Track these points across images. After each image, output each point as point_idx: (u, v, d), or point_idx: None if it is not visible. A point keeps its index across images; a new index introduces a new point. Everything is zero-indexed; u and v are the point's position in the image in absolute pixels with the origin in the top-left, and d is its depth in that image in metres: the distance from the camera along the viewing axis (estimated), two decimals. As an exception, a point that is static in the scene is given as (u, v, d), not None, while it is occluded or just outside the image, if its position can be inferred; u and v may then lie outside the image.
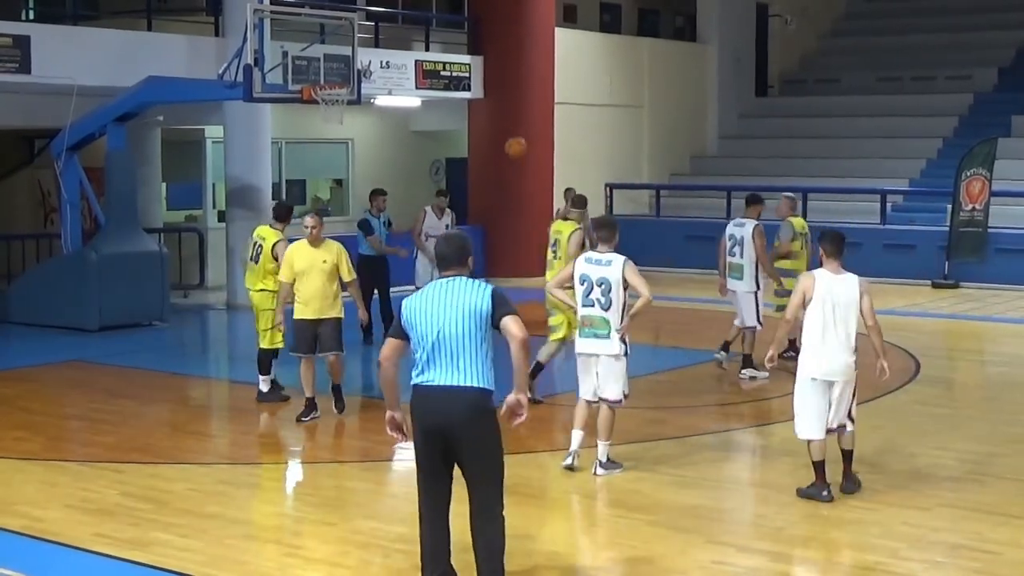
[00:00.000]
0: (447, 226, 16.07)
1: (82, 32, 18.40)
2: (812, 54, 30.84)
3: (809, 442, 8.65)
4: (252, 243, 12.10)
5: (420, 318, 6.44)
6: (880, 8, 31.65)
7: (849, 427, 8.71)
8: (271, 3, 17.03)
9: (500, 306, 6.39)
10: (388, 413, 6.64)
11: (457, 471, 6.56)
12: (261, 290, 11.90)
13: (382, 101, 21.61)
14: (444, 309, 6.40)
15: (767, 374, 13.05)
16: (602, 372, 9.29)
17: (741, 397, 12.69)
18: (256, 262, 11.93)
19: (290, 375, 11.89)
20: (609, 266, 9.17)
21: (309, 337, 11.05)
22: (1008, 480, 9.35)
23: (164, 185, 21.77)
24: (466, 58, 22.44)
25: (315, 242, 11.05)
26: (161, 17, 20.02)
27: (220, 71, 16.01)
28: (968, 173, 20.81)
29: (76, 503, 8.68)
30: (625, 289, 9.14)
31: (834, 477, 8.68)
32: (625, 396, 9.36)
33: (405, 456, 8.24)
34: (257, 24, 15.31)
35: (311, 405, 11.15)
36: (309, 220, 11.08)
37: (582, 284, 9.26)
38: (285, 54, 15.77)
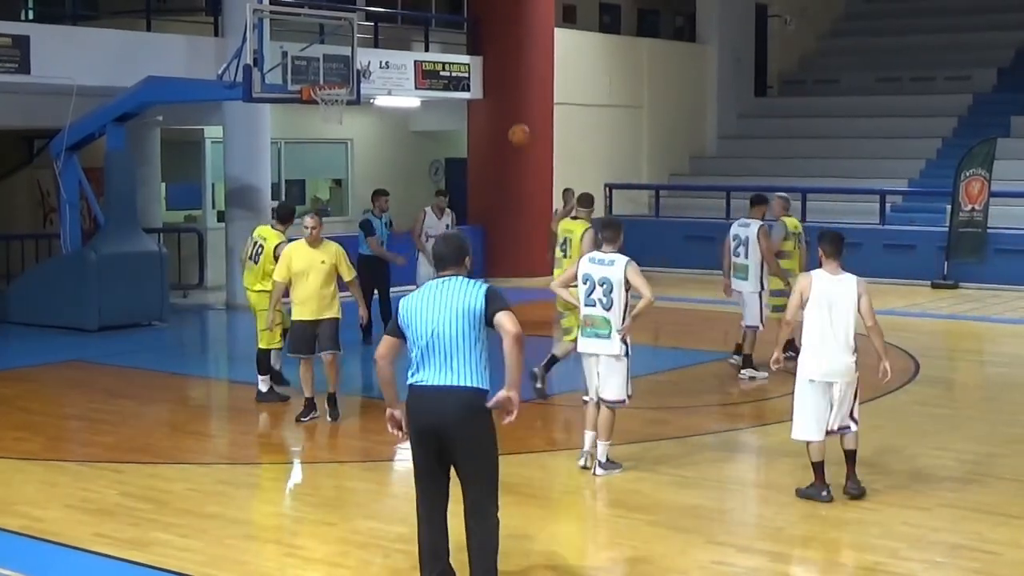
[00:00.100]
0: (447, 226, 16.07)
1: (81, 32, 18.39)
2: (811, 54, 30.84)
3: (808, 443, 8.65)
4: (252, 242, 12.07)
5: (415, 318, 6.45)
6: (879, 9, 31.65)
7: (853, 428, 8.67)
8: (270, 3, 17.02)
9: (493, 302, 6.37)
10: (388, 411, 6.64)
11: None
12: (260, 291, 11.89)
13: (381, 101, 21.61)
14: (438, 309, 6.40)
15: (767, 374, 13.06)
16: (602, 372, 9.31)
17: (741, 397, 12.69)
18: (256, 262, 11.91)
19: (289, 375, 11.90)
20: (612, 266, 9.19)
21: (308, 338, 11.02)
22: (1008, 480, 9.35)
23: (163, 185, 21.77)
24: (465, 58, 22.44)
25: (314, 243, 11.02)
26: (160, 17, 20.02)
27: (219, 71, 16.01)
28: (967, 173, 20.81)
29: (76, 503, 8.68)
30: (627, 290, 9.16)
31: (836, 479, 8.66)
32: (629, 397, 9.37)
33: (405, 456, 8.24)
34: (256, 24, 15.31)
35: (310, 405, 11.15)
36: (309, 220, 11.05)
37: (585, 283, 9.29)
38: (284, 54, 15.78)
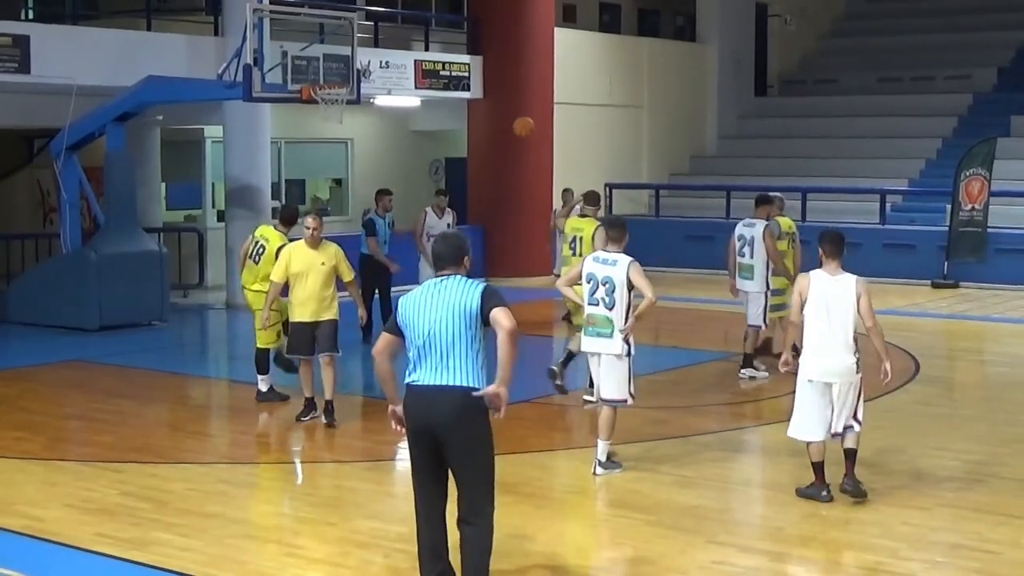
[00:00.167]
0: (448, 225, 16.08)
1: (81, 32, 18.39)
2: (812, 54, 30.85)
3: (808, 443, 8.64)
4: (254, 241, 12.04)
5: (413, 317, 6.45)
6: (879, 8, 31.65)
7: (856, 428, 8.61)
8: (271, 3, 17.01)
9: (489, 300, 6.35)
10: (390, 407, 6.64)
11: None
12: (257, 291, 11.88)
13: (381, 101, 21.62)
14: (435, 308, 6.40)
15: (767, 374, 13.09)
16: (603, 371, 9.34)
17: (741, 397, 12.69)
18: (256, 262, 11.89)
19: (287, 376, 11.88)
20: (615, 266, 9.22)
21: (307, 339, 10.97)
22: (1008, 480, 9.35)
23: (163, 185, 21.78)
24: (465, 58, 22.44)
25: (314, 244, 10.97)
26: (160, 17, 20.02)
27: (219, 71, 16.02)
28: (967, 173, 20.82)
29: (76, 503, 8.68)
30: (631, 290, 9.19)
31: (836, 479, 8.65)
32: (632, 397, 9.38)
33: (405, 456, 8.24)
34: (256, 24, 15.31)
35: (310, 405, 11.14)
36: (310, 221, 10.99)
37: (588, 283, 9.33)
38: (284, 54, 15.78)
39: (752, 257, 13.07)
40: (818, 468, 8.63)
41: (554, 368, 11.98)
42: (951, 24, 29.43)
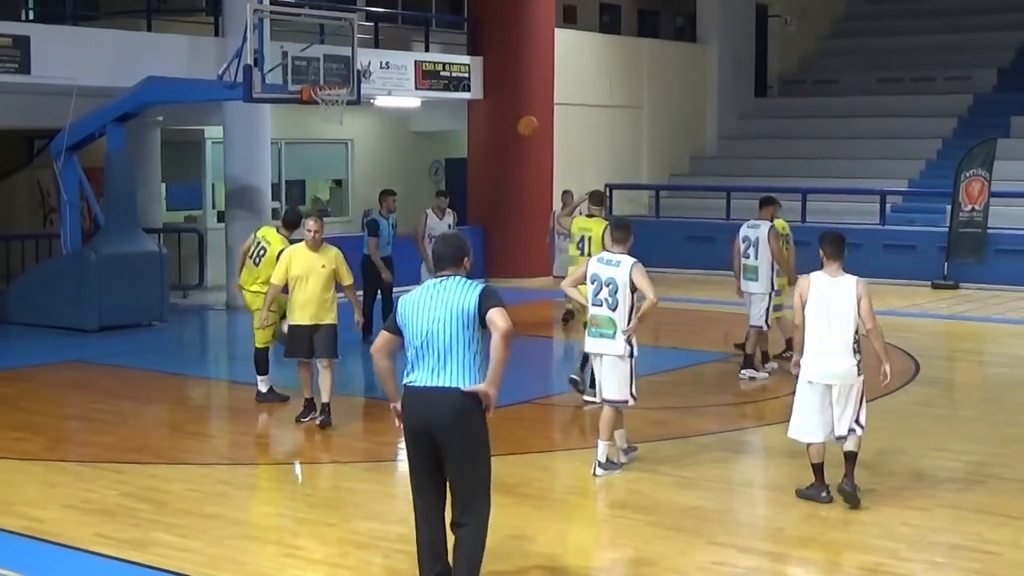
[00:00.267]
0: (449, 226, 16.07)
1: (82, 32, 18.40)
2: (812, 55, 30.85)
3: (808, 445, 8.63)
4: (255, 242, 12.01)
5: (412, 317, 6.44)
6: (880, 9, 31.65)
7: (858, 432, 8.56)
8: (271, 3, 17.02)
9: (486, 300, 6.34)
10: (392, 405, 6.63)
11: None
12: (255, 291, 11.87)
13: (382, 102, 21.62)
14: (433, 309, 6.39)
15: (766, 375, 13.11)
16: (605, 372, 9.37)
17: (741, 398, 12.69)
18: (257, 264, 11.88)
19: (287, 376, 11.88)
20: (618, 267, 9.26)
21: (306, 342, 10.91)
22: (1008, 481, 9.35)
23: (164, 185, 21.78)
24: (466, 59, 22.45)
25: (315, 246, 10.92)
26: (161, 17, 20.02)
27: (220, 71, 16.01)
28: (967, 174, 20.82)
29: (76, 503, 8.68)
30: (634, 291, 9.20)
31: (836, 480, 8.64)
32: (633, 398, 9.40)
33: (404, 456, 8.24)
34: (257, 24, 15.31)
35: (310, 405, 11.12)
36: (312, 223, 10.93)
37: (592, 283, 9.37)
38: (285, 54, 15.77)
39: (756, 258, 13.08)
40: (818, 469, 8.63)
41: (574, 377, 11.95)
42: (951, 25, 29.43)
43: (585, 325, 9.84)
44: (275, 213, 19.42)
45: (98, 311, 16.32)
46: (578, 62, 24.34)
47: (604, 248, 10.63)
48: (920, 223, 22.06)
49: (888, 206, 22.50)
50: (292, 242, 11.48)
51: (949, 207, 21.00)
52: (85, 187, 17.42)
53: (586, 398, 11.84)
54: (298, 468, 10.34)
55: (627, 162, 25.95)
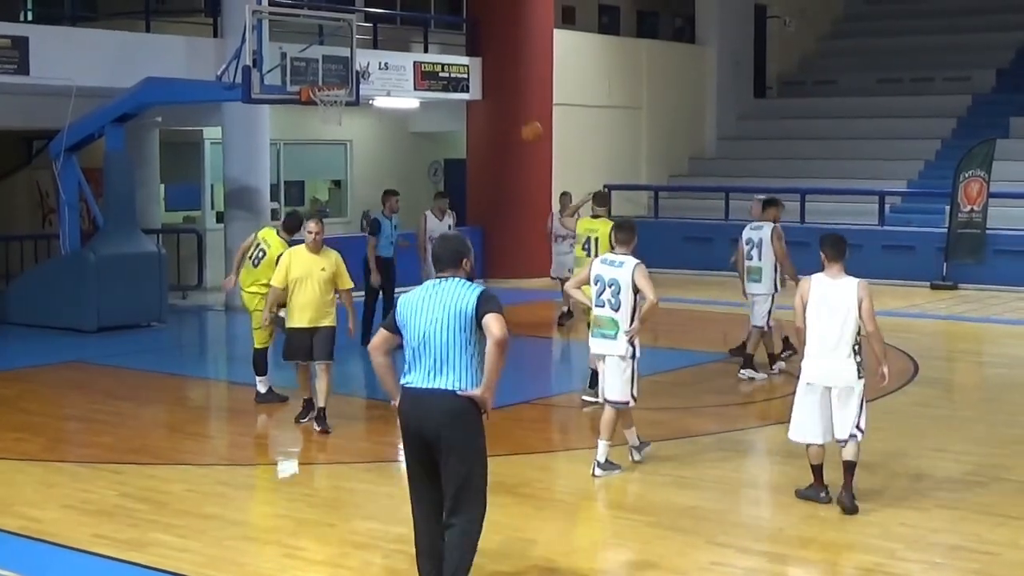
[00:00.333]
0: (449, 227, 16.06)
1: (80, 33, 18.39)
2: (811, 55, 30.85)
3: (808, 446, 8.62)
4: (255, 243, 11.98)
5: (410, 317, 6.44)
6: (879, 10, 31.66)
7: (859, 437, 8.49)
8: (270, 4, 17.02)
9: (484, 305, 6.32)
10: (392, 402, 6.61)
11: None
12: (253, 292, 11.85)
13: (381, 102, 21.61)
14: (431, 310, 6.37)
15: (765, 376, 13.11)
16: (608, 372, 9.41)
17: (740, 398, 12.69)
18: (256, 265, 11.85)
19: (286, 377, 11.87)
20: (620, 268, 9.30)
21: (304, 345, 10.84)
22: (1006, 481, 9.35)
23: (162, 186, 21.76)
24: (465, 59, 22.45)
25: (316, 248, 10.86)
26: (159, 18, 20.02)
27: (219, 72, 16.01)
28: (966, 174, 20.83)
29: (74, 504, 8.68)
30: (636, 293, 9.22)
31: (836, 480, 8.63)
32: (634, 399, 9.41)
33: (403, 456, 8.23)
34: (255, 25, 15.30)
35: (309, 405, 11.10)
36: (312, 225, 10.87)
37: (596, 284, 9.40)
38: (283, 55, 15.76)
39: (760, 260, 13.11)
40: (817, 471, 8.62)
41: (586, 398, 11.84)
42: (950, 25, 29.44)
43: (588, 326, 9.86)
44: (274, 214, 19.44)
45: (97, 312, 16.32)
46: (577, 63, 24.35)
47: (611, 248, 10.64)
48: (919, 224, 22.07)
49: (887, 207, 22.50)
50: (292, 245, 11.42)
51: (948, 208, 21.01)
52: (84, 188, 17.42)
53: (585, 398, 11.84)
54: (298, 468, 10.33)
55: (626, 163, 25.95)
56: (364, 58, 18.92)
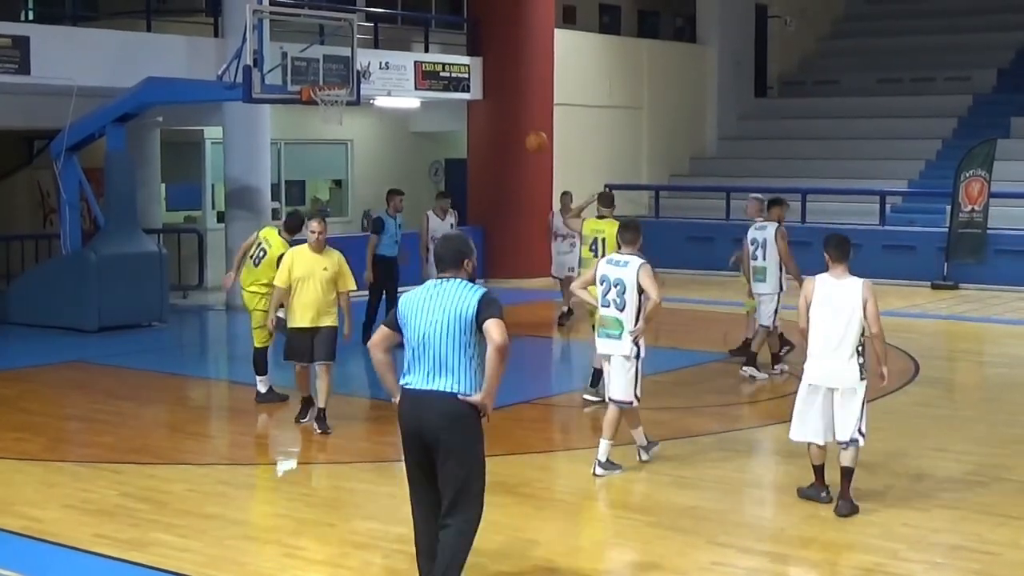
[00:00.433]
0: (451, 226, 16.06)
1: (81, 33, 18.39)
2: (811, 55, 30.85)
3: (809, 446, 8.61)
4: (256, 242, 11.97)
5: (410, 318, 6.43)
6: (879, 10, 31.65)
7: (860, 442, 8.44)
8: (270, 4, 17.02)
9: (485, 309, 6.30)
10: (392, 400, 6.60)
11: None
12: (253, 291, 11.84)
13: (381, 102, 21.61)
14: (431, 312, 6.36)
15: (767, 375, 13.10)
16: (612, 372, 9.43)
17: (741, 398, 12.69)
18: (256, 265, 11.85)
19: (286, 376, 11.87)
20: (625, 267, 9.33)
21: (305, 345, 10.79)
22: (1007, 481, 9.35)
23: (163, 186, 21.77)
24: (465, 59, 22.44)
25: (318, 248, 10.82)
26: (160, 18, 20.01)
27: (219, 72, 16.01)
28: (967, 174, 20.83)
29: (75, 504, 8.68)
30: (641, 293, 9.23)
31: (837, 481, 8.64)
32: (637, 399, 9.42)
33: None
34: (256, 25, 15.30)
35: (308, 404, 11.08)
36: (315, 225, 10.82)
37: (601, 284, 9.43)
38: (284, 55, 15.77)
39: (765, 259, 13.13)
40: (818, 471, 8.61)
41: (587, 397, 11.86)
42: (951, 25, 29.43)
43: (593, 328, 9.87)
44: (275, 214, 19.44)
45: (98, 311, 16.32)
46: (578, 63, 24.34)
47: (617, 248, 10.66)
48: (920, 223, 22.07)
49: (888, 206, 22.51)
50: (293, 245, 11.39)
51: (949, 207, 21.01)
52: (85, 187, 17.42)
53: (586, 397, 11.85)
54: (298, 468, 10.34)
55: (627, 162, 25.95)
56: (365, 58, 18.93)
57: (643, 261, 9.36)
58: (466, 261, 6.50)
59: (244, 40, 15.33)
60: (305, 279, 10.73)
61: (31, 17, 21.63)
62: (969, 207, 20.80)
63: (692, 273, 21.81)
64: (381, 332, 6.61)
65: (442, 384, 6.33)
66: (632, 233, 9.57)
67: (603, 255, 11.50)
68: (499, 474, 8.95)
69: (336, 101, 15.97)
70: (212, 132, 20.42)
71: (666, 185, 26.13)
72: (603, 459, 9.34)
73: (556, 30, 23.26)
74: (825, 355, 8.43)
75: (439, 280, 6.48)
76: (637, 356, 9.36)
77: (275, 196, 20.98)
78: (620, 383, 9.37)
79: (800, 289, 8.95)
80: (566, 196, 17.38)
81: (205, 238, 20.78)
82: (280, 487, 9.83)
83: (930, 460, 9.91)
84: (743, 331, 14.34)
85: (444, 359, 6.32)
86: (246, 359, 12.58)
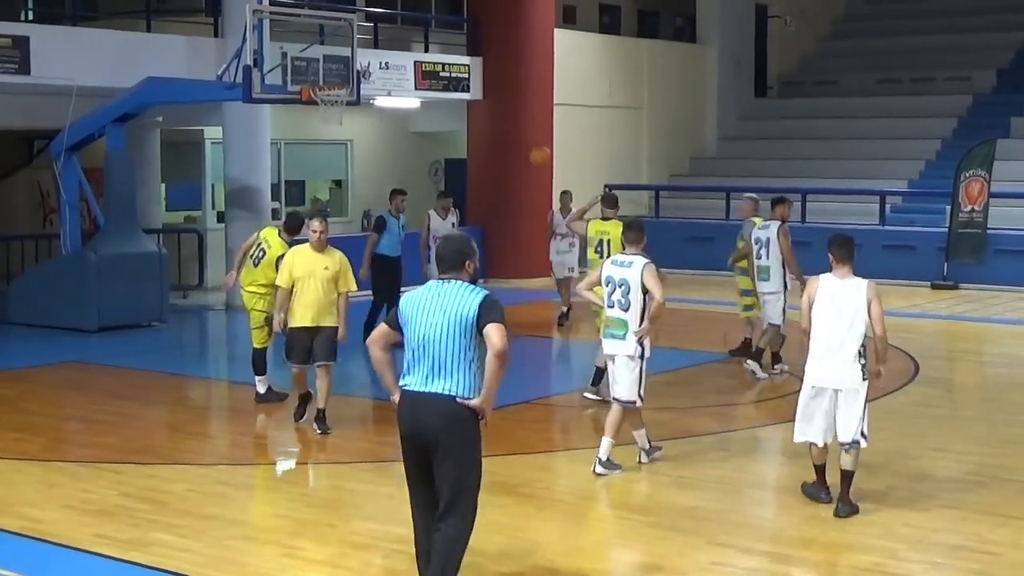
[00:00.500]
0: (453, 225, 16.06)
1: (81, 33, 18.38)
2: (811, 56, 30.85)
3: (811, 446, 8.60)
4: (256, 243, 11.95)
5: (411, 319, 6.41)
6: (879, 10, 31.66)
7: (863, 443, 8.42)
8: (270, 4, 17.02)
9: (486, 313, 6.27)
10: (391, 397, 6.58)
11: None
12: (252, 291, 11.83)
13: (381, 102, 21.61)
14: (431, 313, 6.34)
15: (767, 376, 13.09)
16: (617, 371, 9.46)
17: (741, 398, 12.69)
18: (256, 265, 11.83)
19: (286, 376, 11.86)
20: (630, 268, 9.35)
21: (305, 346, 10.75)
22: (1007, 481, 9.35)
23: (163, 186, 21.77)
24: (465, 59, 22.44)
25: (320, 247, 10.79)
26: (160, 18, 20.01)
27: (219, 72, 16.01)
28: (967, 174, 20.83)
29: (75, 504, 8.68)
30: (646, 293, 9.24)
31: (836, 482, 8.65)
32: (640, 399, 9.44)
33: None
34: (256, 25, 15.30)
35: (305, 401, 11.03)
36: (317, 224, 10.78)
37: (607, 285, 9.45)
38: (284, 55, 15.76)
39: (768, 258, 13.13)
40: (819, 471, 8.61)
41: (588, 395, 11.86)
42: (951, 26, 29.43)
43: (599, 328, 9.88)
44: (275, 214, 19.44)
45: (98, 311, 16.32)
46: (578, 63, 24.34)
47: (622, 249, 10.67)
48: (920, 224, 22.06)
49: (888, 206, 22.51)
50: (293, 246, 11.35)
51: (949, 208, 21.01)
52: (85, 187, 17.42)
53: (587, 395, 11.85)
54: (298, 469, 10.34)
55: (627, 163, 25.95)
56: (365, 58, 18.93)
57: (647, 261, 9.38)
58: (468, 262, 6.47)
59: (244, 40, 15.33)
60: (305, 278, 10.69)
61: (31, 17, 21.63)
62: (969, 207, 20.80)
63: (692, 273, 21.80)
64: (381, 329, 6.60)
65: (441, 386, 6.31)
66: (636, 233, 9.58)
67: (608, 256, 11.52)
68: (499, 474, 8.97)
69: (336, 101, 15.97)
70: (212, 132, 20.42)
71: (666, 185, 26.13)
72: (604, 458, 9.35)
73: (556, 30, 23.26)
74: (828, 356, 8.41)
75: (441, 281, 6.46)
76: (642, 356, 9.39)
77: (275, 196, 20.98)
78: (625, 383, 9.39)
79: (802, 288, 8.94)
80: (566, 195, 17.38)
81: (205, 238, 20.78)
82: (280, 487, 9.83)
83: (930, 460, 9.91)
84: (742, 332, 14.35)
85: (443, 361, 6.31)
86: (246, 359, 12.57)
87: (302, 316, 10.74)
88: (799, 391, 8.69)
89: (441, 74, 21.93)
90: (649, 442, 9.70)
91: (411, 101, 22.28)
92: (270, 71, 15.54)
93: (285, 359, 11.16)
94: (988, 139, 21.72)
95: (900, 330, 15.45)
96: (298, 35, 16.82)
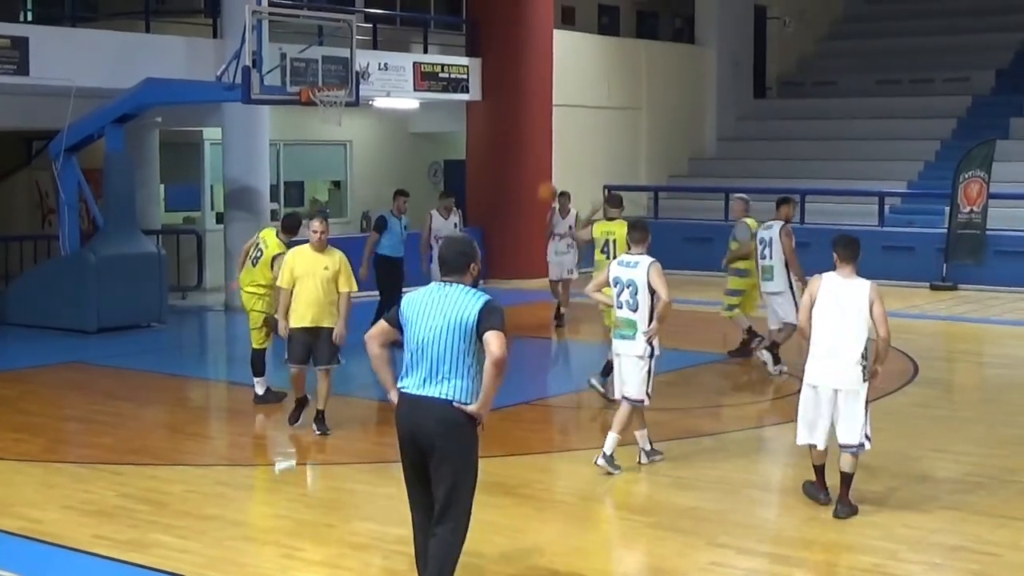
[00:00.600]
0: (455, 225, 16.06)
1: (80, 34, 18.37)
2: (810, 56, 30.86)
3: (811, 447, 8.60)
4: (255, 243, 11.95)
5: (411, 320, 6.40)
6: (878, 10, 31.66)
7: (867, 446, 8.40)
8: (269, 5, 17.01)
9: (486, 318, 6.25)
10: (388, 395, 6.56)
11: None
12: (251, 292, 11.82)
13: (380, 103, 21.61)
14: (431, 316, 6.32)
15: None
16: (625, 371, 9.50)
17: (741, 399, 12.70)
18: (254, 265, 11.84)
19: (286, 377, 11.85)
20: (636, 268, 9.38)
21: (304, 346, 10.73)
22: (1007, 482, 9.35)
23: (162, 187, 21.77)
24: (464, 60, 22.44)
25: (320, 247, 10.76)
26: (159, 19, 20.00)
27: (218, 73, 16.01)
28: (966, 175, 20.83)
29: (74, 504, 8.68)
30: (653, 293, 9.26)
31: (836, 483, 8.65)
32: (648, 398, 9.48)
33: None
34: (255, 26, 15.30)
35: (300, 405, 11.03)
36: (317, 224, 10.74)
37: (615, 287, 9.48)
38: (283, 56, 15.76)
39: (771, 258, 13.15)
40: (819, 472, 8.61)
41: (594, 383, 11.87)
42: (950, 26, 29.44)
43: (609, 328, 9.90)
44: (274, 215, 19.43)
45: (97, 312, 16.32)
46: (577, 63, 24.34)
47: (627, 249, 10.68)
48: (919, 224, 22.07)
49: (887, 207, 22.51)
50: (291, 246, 11.34)
51: (948, 208, 21.01)
52: (84, 188, 17.41)
53: (592, 381, 11.84)
54: (297, 469, 10.34)
55: (626, 163, 25.94)
56: (364, 59, 18.92)
57: (652, 260, 9.41)
58: (471, 265, 6.43)
59: (243, 41, 15.33)
60: (305, 278, 10.66)
61: (30, 18, 21.64)
62: (968, 208, 20.81)
63: (691, 274, 21.78)
64: (380, 326, 6.59)
65: (439, 390, 6.30)
66: (640, 232, 9.62)
67: (615, 256, 11.52)
68: (499, 475, 8.98)
69: (335, 102, 15.97)
70: (211, 133, 20.42)
71: (665, 186, 26.12)
72: (608, 452, 9.37)
73: (555, 31, 23.26)
74: (831, 355, 8.38)
75: (442, 283, 6.43)
76: (651, 355, 9.44)
77: (274, 197, 20.99)
78: (634, 381, 9.44)
79: (802, 289, 8.94)
80: (564, 196, 17.38)
81: (204, 239, 20.77)
82: (279, 488, 9.82)
83: (929, 461, 9.91)
84: (740, 332, 14.36)
85: (442, 365, 6.30)
86: (245, 360, 12.56)
87: (302, 316, 10.72)
88: (799, 391, 8.69)
89: (440, 75, 21.94)
90: (651, 444, 9.70)
91: (410, 102, 22.28)
92: (269, 72, 15.55)
93: (286, 360, 11.16)
94: (987, 140, 21.73)
95: (899, 331, 15.36)
96: (297, 36, 16.82)
